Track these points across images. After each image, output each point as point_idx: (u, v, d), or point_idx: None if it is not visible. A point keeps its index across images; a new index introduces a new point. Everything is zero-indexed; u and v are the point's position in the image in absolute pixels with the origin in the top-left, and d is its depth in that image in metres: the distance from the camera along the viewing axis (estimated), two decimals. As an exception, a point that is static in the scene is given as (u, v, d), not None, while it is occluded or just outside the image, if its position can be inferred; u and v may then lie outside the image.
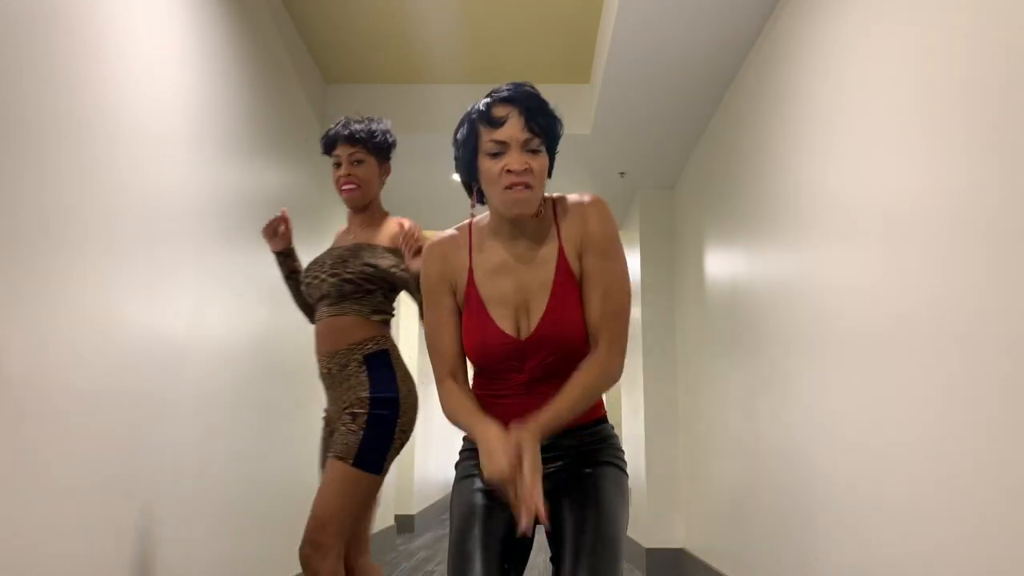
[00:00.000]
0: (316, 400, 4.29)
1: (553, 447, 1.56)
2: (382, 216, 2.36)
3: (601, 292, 1.52)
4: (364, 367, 2.16)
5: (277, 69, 3.64)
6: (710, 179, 4.24)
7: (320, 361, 2.24)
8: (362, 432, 2.10)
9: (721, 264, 3.96)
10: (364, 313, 2.20)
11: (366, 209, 2.33)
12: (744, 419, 3.52)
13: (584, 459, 1.57)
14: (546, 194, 1.59)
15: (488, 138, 1.49)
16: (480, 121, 1.51)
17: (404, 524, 7.35)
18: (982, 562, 1.69)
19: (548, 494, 1.55)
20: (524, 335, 1.53)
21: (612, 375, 1.51)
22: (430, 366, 1.70)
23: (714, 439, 4.11)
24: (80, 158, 2.03)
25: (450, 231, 1.63)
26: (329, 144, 2.32)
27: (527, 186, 1.47)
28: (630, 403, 5.64)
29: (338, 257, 2.23)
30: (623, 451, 1.62)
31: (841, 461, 2.42)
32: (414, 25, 4.00)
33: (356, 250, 2.23)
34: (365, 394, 2.14)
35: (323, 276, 2.23)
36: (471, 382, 1.63)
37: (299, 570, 3.84)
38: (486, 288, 1.57)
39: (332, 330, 2.20)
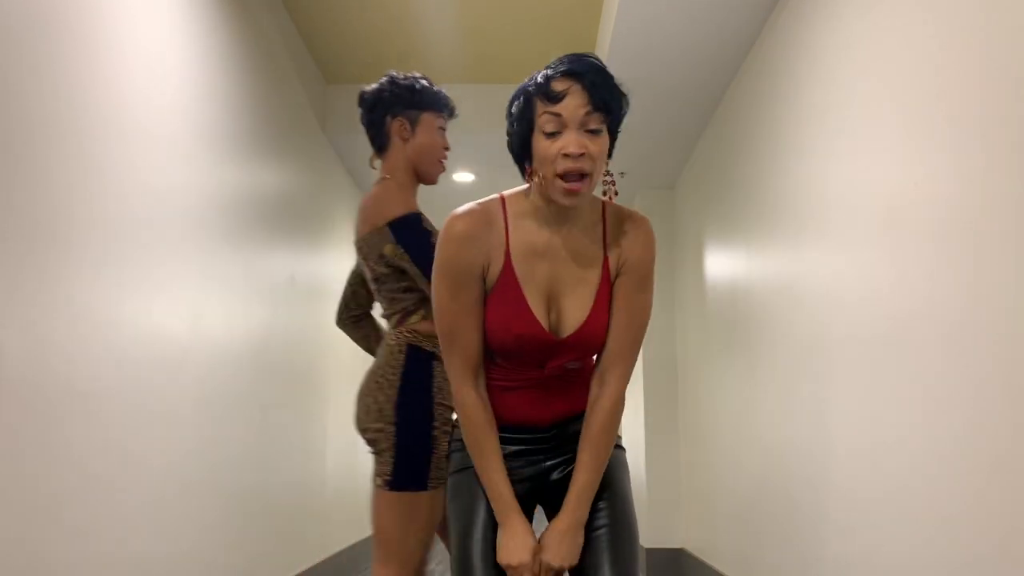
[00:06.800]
0: (317, 400, 4.30)
1: (560, 437, 1.54)
2: None
3: (626, 320, 1.46)
4: None
5: (277, 69, 3.64)
6: (710, 179, 4.24)
7: None
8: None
9: (721, 264, 3.96)
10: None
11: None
12: (744, 419, 3.52)
13: None
14: (595, 194, 1.49)
15: (544, 113, 1.35)
16: (537, 94, 1.37)
17: (404, 524, 7.34)
18: (983, 561, 1.69)
19: (559, 483, 1.54)
20: (553, 330, 1.45)
21: (622, 409, 1.51)
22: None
23: (714, 439, 4.11)
24: (80, 159, 2.03)
25: (472, 205, 1.45)
26: (448, 107, 2.23)
27: (582, 175, 1.35)
28: (630, 403, 5.64)
29: None
30: (621, 433, 1.59)
31: (841, 460, 2.42)
32: (414, 25, 4.00)
33: None
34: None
35: None
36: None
37: (297, 570, 3.84)
38: (523, 272, 1.44)
39: None
